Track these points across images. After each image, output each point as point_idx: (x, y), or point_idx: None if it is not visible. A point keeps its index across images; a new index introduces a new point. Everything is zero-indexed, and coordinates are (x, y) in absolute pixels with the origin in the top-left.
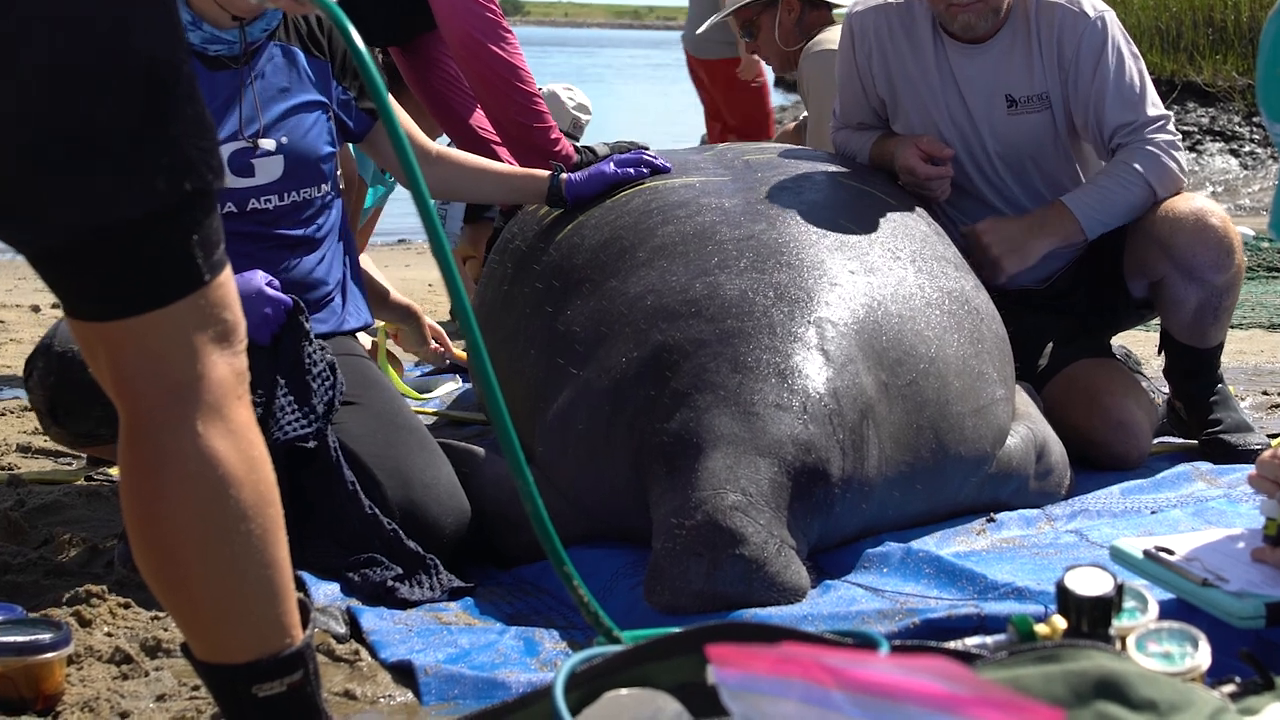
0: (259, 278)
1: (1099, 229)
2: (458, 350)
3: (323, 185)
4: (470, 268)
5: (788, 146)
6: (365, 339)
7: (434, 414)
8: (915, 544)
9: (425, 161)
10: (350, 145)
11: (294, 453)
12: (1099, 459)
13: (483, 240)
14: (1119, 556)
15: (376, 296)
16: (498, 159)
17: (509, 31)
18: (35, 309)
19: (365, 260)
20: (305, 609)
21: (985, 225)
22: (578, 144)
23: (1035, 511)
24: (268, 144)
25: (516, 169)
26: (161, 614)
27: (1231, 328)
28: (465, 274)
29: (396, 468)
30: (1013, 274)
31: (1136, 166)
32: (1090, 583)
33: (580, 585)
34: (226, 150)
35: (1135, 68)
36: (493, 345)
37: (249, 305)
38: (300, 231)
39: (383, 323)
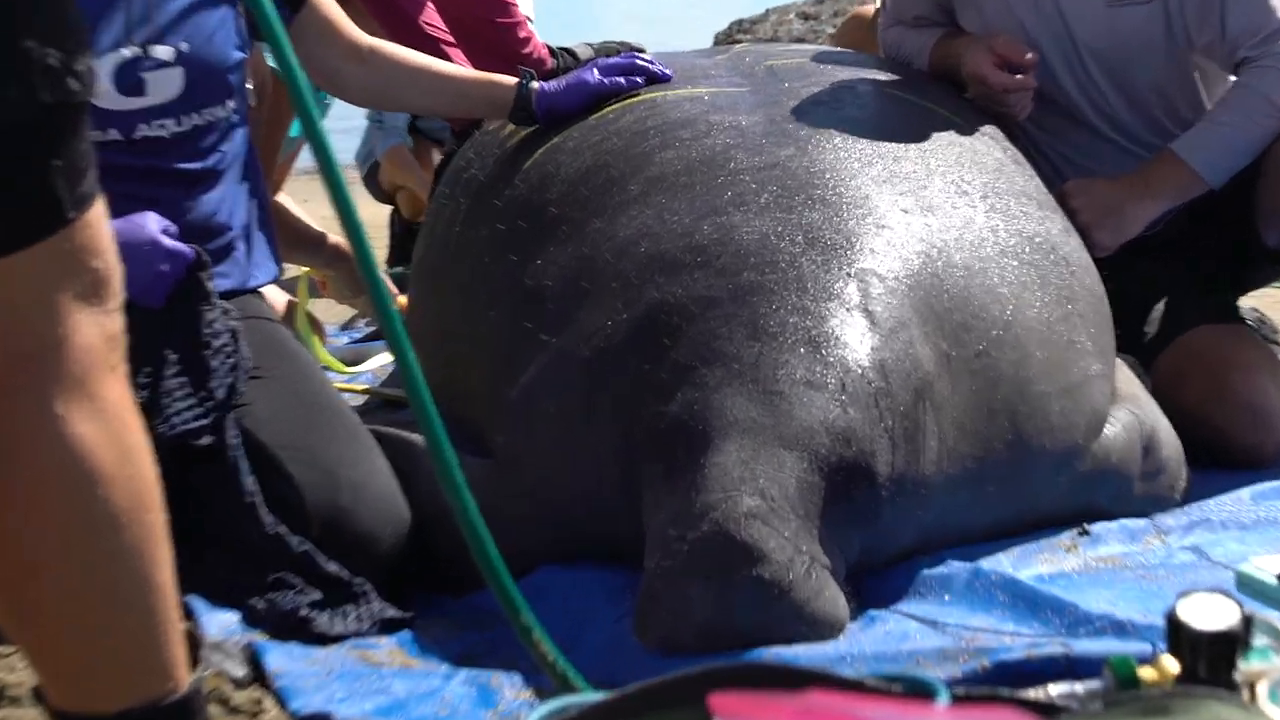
0: (152, 223)
1: (1224, 175)
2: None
3: (228, 102)
4: (403, 201)
5: (823, 49)
6: (277, 297)
7: (365, 392)
8: (985, 563)
9: (353, 60)
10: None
11: (185, 446)
12: (1224, 453)
13: (422, 166)
14: (1247, 582)
15: (295, 237)
16: (449, 61)
17: None
18: None
19: (282, 197)
20: (194, 644)
21: (1073, 186)
22: (554, 45)
23: (1141, 522)
24: (163, 52)
25: (473, 74)
26: (7, 650)
27: None
28: (402, 211)
29: (316, 463)
30: (1110, 248)
31: (1267, 93)
32: (1210, 614)
33: (541, 638)
34: (110, 61)
35: None
36: (439, 304)
37: (139, 259)
38: (200, 164)
39: (304, 270)
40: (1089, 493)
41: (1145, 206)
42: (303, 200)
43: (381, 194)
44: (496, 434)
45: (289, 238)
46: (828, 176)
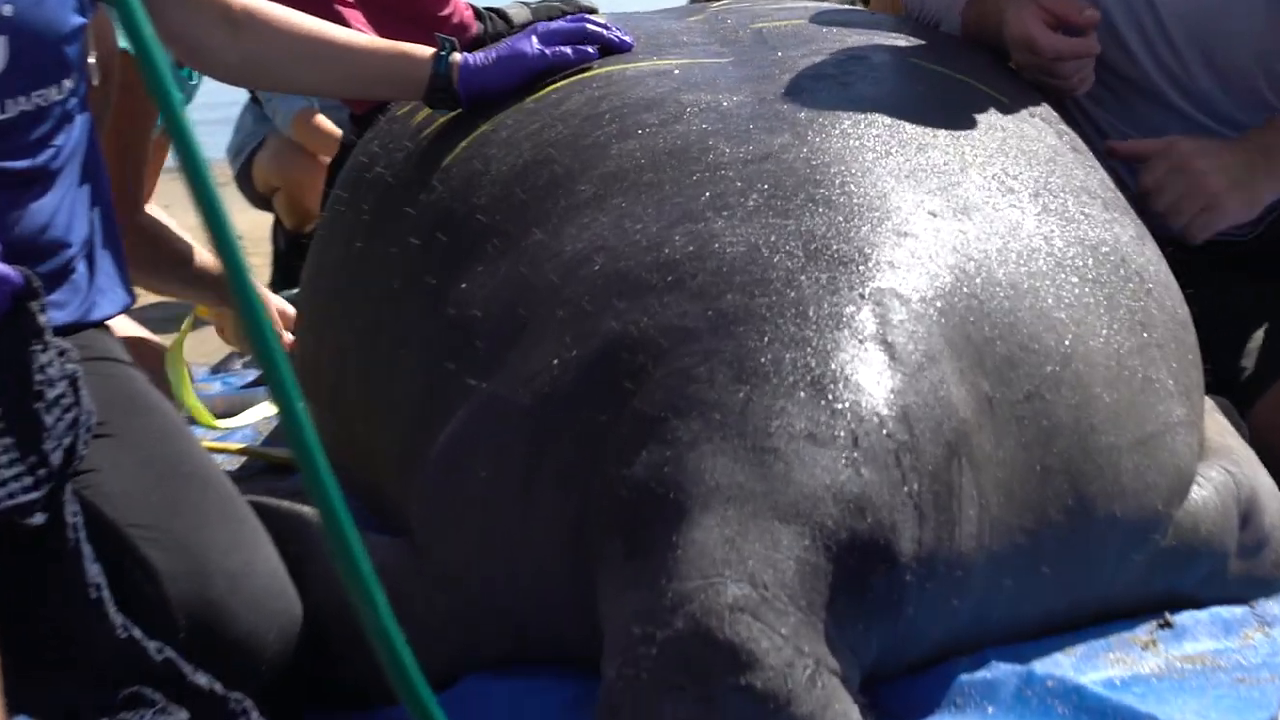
0: None
1: None
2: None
3: (64, 82)
4: (282, 206)
5: (825, 6)
6: (130, 330)
7: (243, 452)
8: (1040, 665)
9: (225, 26)
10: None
11: (12, 526)
12: None
13: (311, 163)
14: None
15: (176, 261)
16: (346, 25)
17: None
18: None
19: (153, 209)
20: None
21: (1152, 147)
22: (480, 6)
23: (1239, 611)
24: None
25: (376, 43)
26: None
27: None
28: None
29: (181, 547)
30: (1217, 229)
31: None
32: None
33: None
34: None
35: None
36: (336, 340)
37: None
38: (28, 162)
39: (200, 309)
40: (1172, 573)
41: (1260, 187)
42: (163, 206)
43: (258, 197)
44: (411, 506)
45: (168, 262)
46: (833, 171)
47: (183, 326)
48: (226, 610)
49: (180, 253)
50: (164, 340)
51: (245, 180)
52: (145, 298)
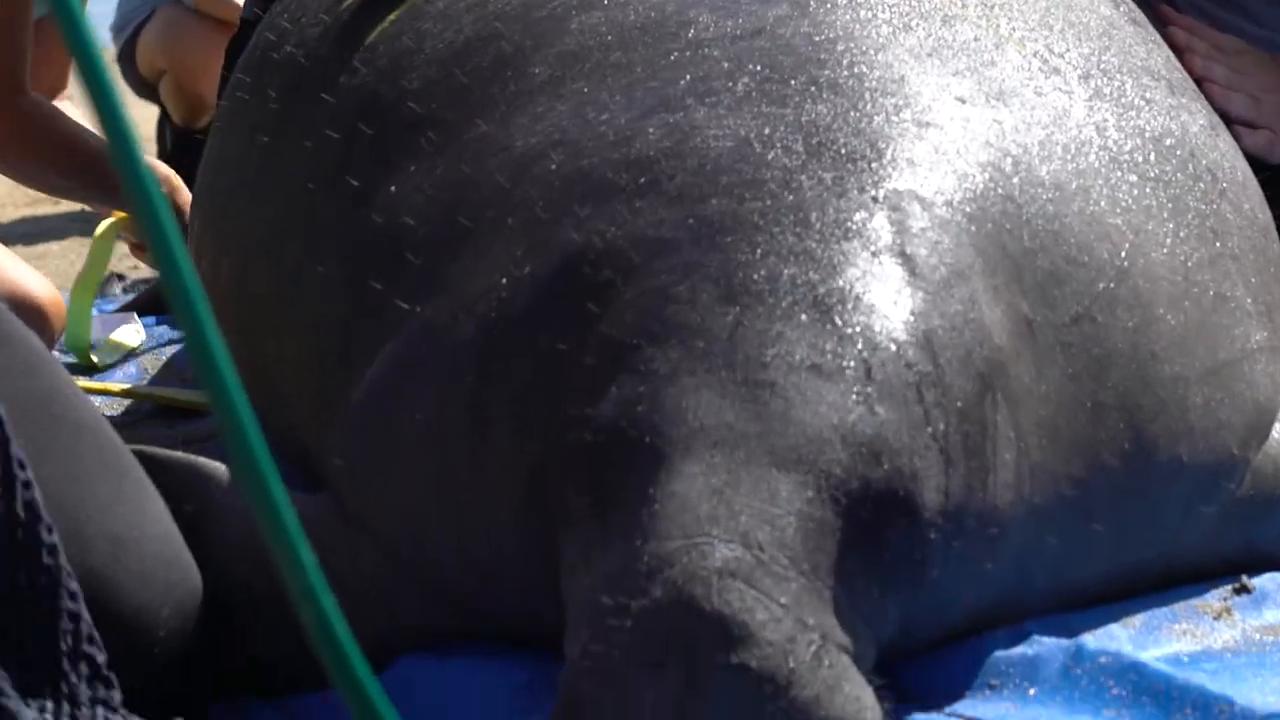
0: None
1: None
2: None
3: None
4: (168, 90)
5: None
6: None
7: (126, 394)
8: (1091, 639)
9: None
10: None
11: None
12: None
13: (206, 38)
14: None
15: (68, 153)
16: None
17: None
18: None
19: (65, 106)
20: None
21: (1227, 41)
22: None
23: None
24: None
25: None
26: None
27: None
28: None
29: (52, 504)
30: None
31: None
32: None
33: None
34: None
35: None
36: (238, 256)
37: None
38: None
39: (116, 215)
40: (1249, 528)
41: None
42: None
43: (142, 83)
44: (330, 455)
45: (58, 155)
46: (841, 49)
47: (99, 235)
48: (109, 581)
49: (76, 145)
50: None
51: (128, 62)
52: (45, 205)
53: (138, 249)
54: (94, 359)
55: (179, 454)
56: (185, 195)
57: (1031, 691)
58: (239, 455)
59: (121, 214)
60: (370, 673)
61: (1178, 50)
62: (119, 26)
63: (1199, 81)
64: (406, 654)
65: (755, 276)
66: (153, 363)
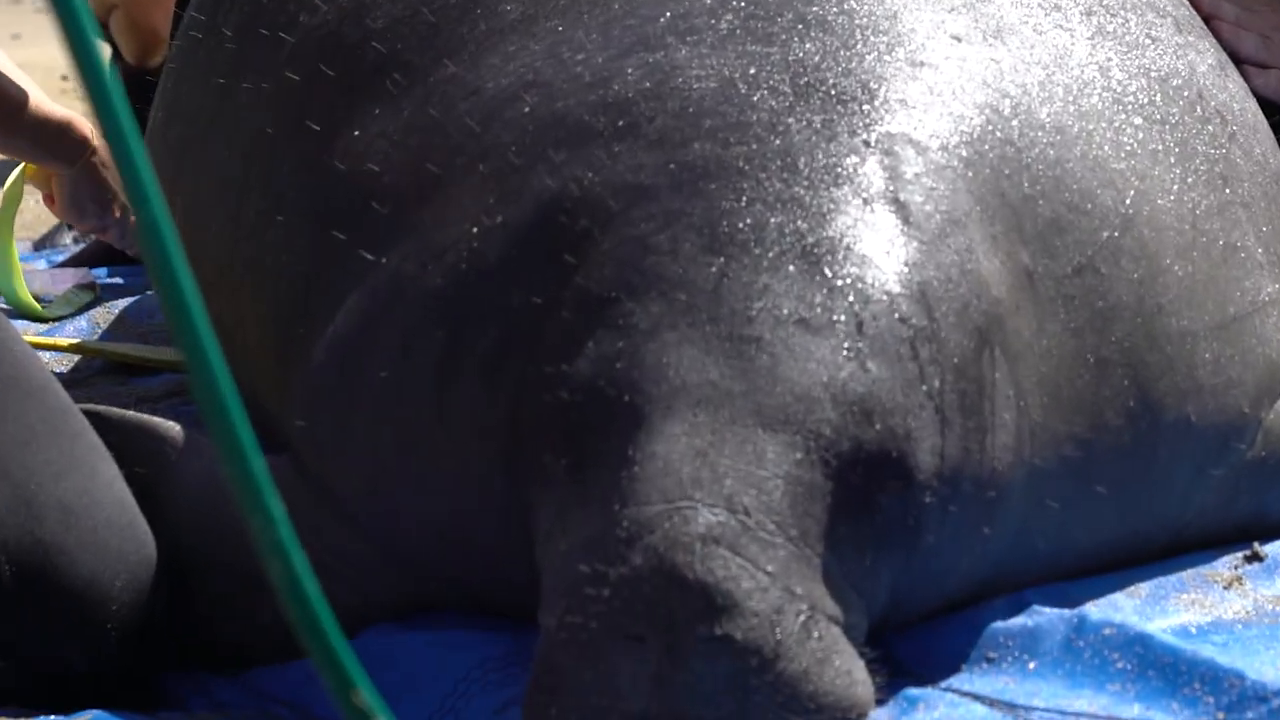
0: None
1: None
2: None
3: None
4: (118, 27)
5: None
6: None
7: (76, 349)
8: (1095, 609)
9: None
10: None
11: None
12: None
13: None
14: None
15: (11, 109)
16: None
17: None
18: None
19: None
20: None
21: None
22: None
23: None
24: None
25: None
26: None
27: None
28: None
29: (2, 474)
30: None
31: None
32: None
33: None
34: None
35: None
36: (192, 203)
37: None
38: None
39: (20, 166)
40: (1261, 492)
41: None
42: (12, 36)
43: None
44: (292, 414)
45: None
46: None
47: (9, 184)
48: (60, 550)
49: (9, 94)
50: None
51: None
52: None
53: (49, 199)
54: (40, 309)
55: (132, 414)
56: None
57: (1031, 665)
58: (205, 390)
59: (31, 166)
60: (342, 634)
61: None
62: None
63: (1207, 19)
64: (375, 626)
65: (740, 225)
66: (104, 316)
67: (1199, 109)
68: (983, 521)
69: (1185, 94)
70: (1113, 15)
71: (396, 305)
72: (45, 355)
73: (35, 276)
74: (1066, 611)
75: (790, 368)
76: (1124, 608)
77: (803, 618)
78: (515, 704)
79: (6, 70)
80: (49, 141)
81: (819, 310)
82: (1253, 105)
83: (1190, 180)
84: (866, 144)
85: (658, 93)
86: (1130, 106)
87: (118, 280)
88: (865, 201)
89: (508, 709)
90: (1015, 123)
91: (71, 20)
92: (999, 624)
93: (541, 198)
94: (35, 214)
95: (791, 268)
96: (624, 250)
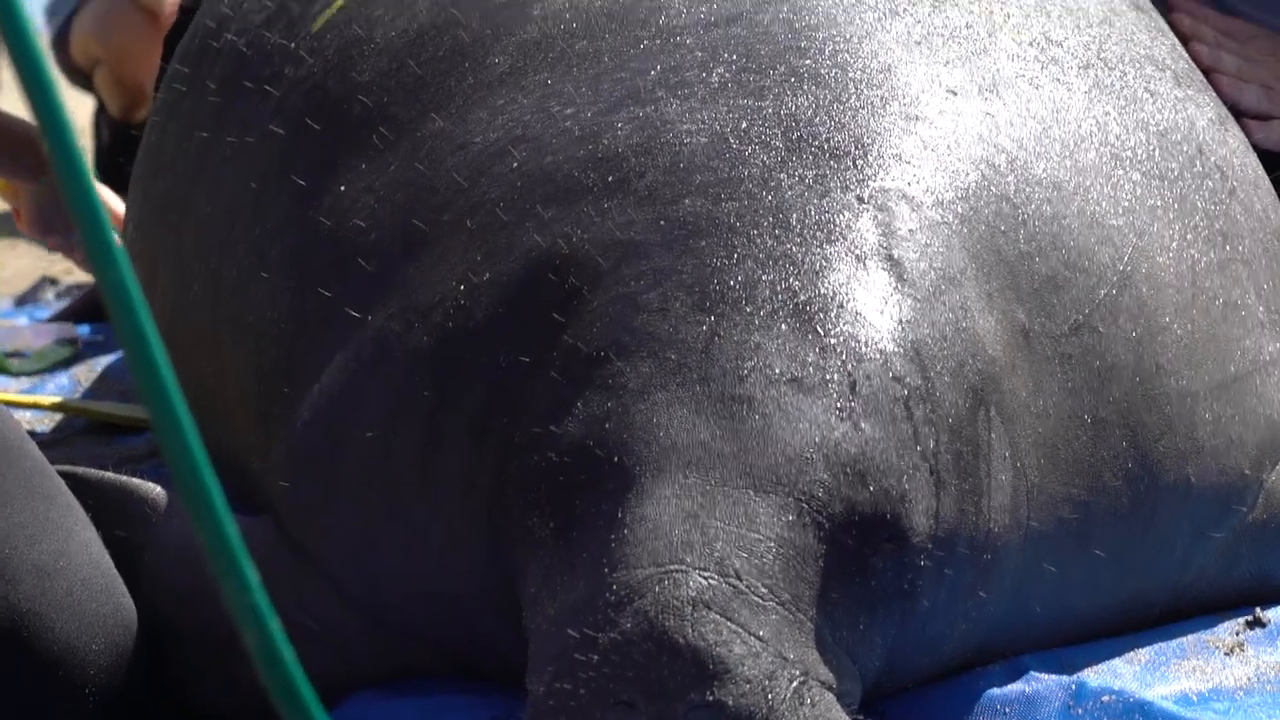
0: None
1: None
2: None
3: None
4: (103, 81)
5: None
6: None
7: (57, 408)
8: (1092, 675)
9: None
10: None
11: None
12: None
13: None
14: None
15: None
16: None
17: None
18: None
19: None
20: None
21: (1241, 28)
22: None
23: None
24: None
25: None
26: None
27: None
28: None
29: None
30: None
31: None
32: None
33: None
34: None
35: None
36: (174, 260)
37: None
38: None
39: None
40: (1263, 556)
41: None
42: None
43: (76, 72)
44: (274, 476)
45: None
46: (822, 37)
47: None
48: (36, 615)
49: None
50: None
51: (62, 49)
52: None
53: (16, 214)
54: (11, 366)
55: (111, 475)
56: (116, 206)
57: None
58: (175, 453)
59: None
60: (320, 702)
61: (1184, 38)
62: (53, 9)
63: (1207, 72)
64: (360, 693)
65: (731, 283)
66: (86, 375)
67: (1198, 164)
68: (979, 585)
69: (1184, 149)
70: (1110, 69)
71: (382, 364)
72: (27, 414)
73: (17, 333)
74: (1064, 678)
75: (782, 428)
76: (1123, 674)
77: (795, 684)
78: None
79: None
80: (12, 153)
81: (811, 369)
82: (1253, 160)
83: (1190, 237)
84: (860, 199)
85: (648, 148)
86: (1128, 161)
87: (100, 338)
88: (858, 258)
89: None
90: (1011, 178)
91: (22, 44)
92: (995, 690)
93: (530, 255)
94: (16, 269)
95: (784, 326)
96: (614, 308)
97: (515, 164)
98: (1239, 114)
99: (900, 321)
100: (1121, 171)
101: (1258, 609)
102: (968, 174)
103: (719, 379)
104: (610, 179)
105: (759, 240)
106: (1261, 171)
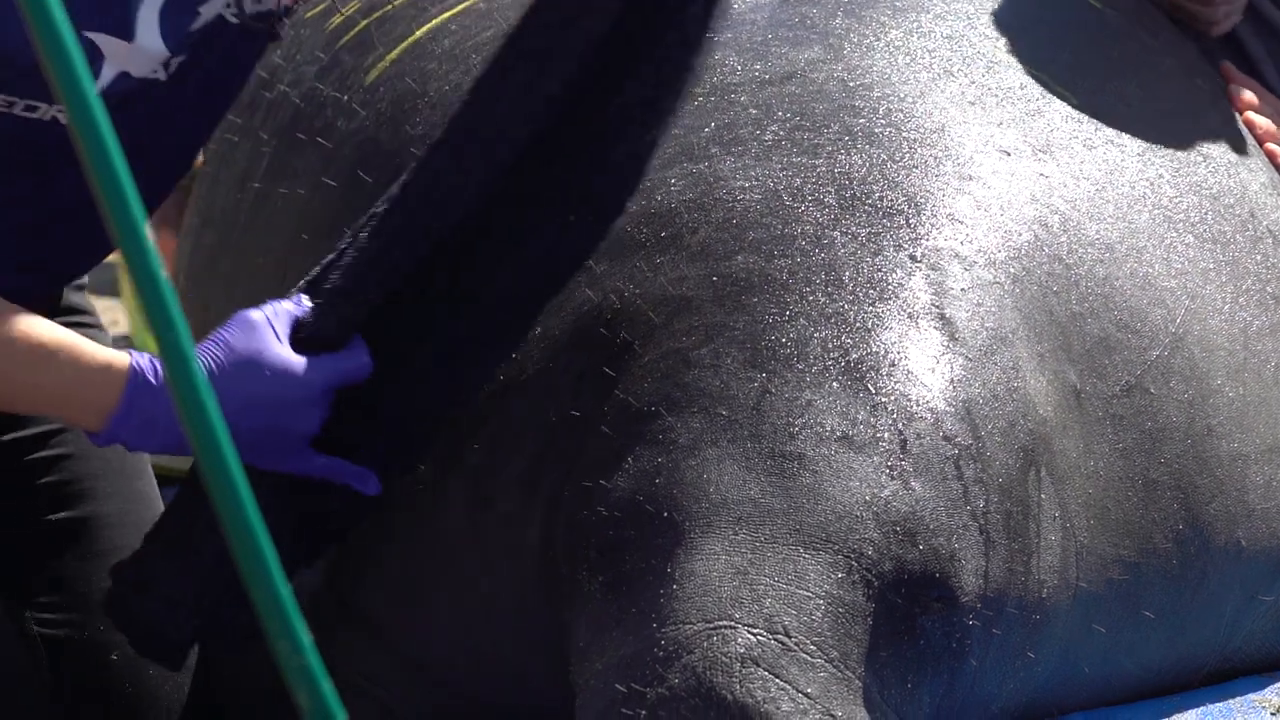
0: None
1: None
2: None
3: None
4: None
5: None
6: None
7: None
8: None
9: None
10: None
11: None
12: None
13: None
14: None
15: None
16: None
17: None
18: None
19: None
20: None
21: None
22: None
23: None
24: None
25: None
26: None
27: None
28: None
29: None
30: None
31: None
32: None
33: None
34: None
35: None
36: (227, 307)
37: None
38: None
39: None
40: None
41: None
42: None
43: None
44: None
45: None
46: (877, 96)
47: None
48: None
49: None
50: None
51: None
52: None
53: None
54: None
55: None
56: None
57: None
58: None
59: None
60: None
61: (1239, 108)
62: None
63: (1260, 140)
64: None
65: (783, 340)
66: None
67: (1251, 228)
68: (1027, 645)
69: (1237, 212)
70: (1171, 136)
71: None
72: None
73: None
74: None
75: (832, 485)
76: None
77: None
78: None
79: None
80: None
81: (862, 427)
82: None
83: (1242, 300)
84: (912, 258)
85: (701, 204)
86: (1181, 224)
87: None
88: (910, 317)
89: None
90: (1064, 239)
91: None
92: None
93: (582, 310)
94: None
95: (835, 383)
96: (665, 364)
97: (569, 218)
98: None
99: (952, 380)
100: (1174, 234)
101: None
102: (1020, 234)
103: (770, 435)
104: (663, 234)
105: (811, 297)
106: None
